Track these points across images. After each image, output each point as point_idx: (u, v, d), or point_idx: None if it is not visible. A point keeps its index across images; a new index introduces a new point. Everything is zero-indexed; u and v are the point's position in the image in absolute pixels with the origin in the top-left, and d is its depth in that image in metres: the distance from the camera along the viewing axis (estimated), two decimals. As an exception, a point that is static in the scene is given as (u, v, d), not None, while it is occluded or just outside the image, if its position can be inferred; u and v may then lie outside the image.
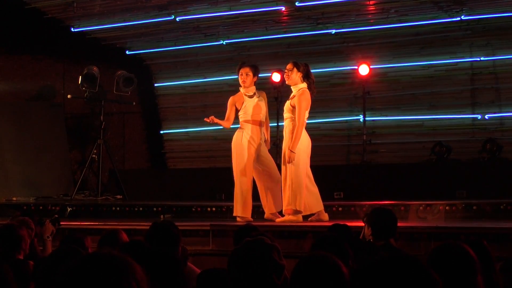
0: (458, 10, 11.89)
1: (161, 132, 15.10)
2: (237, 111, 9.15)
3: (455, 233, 7.16)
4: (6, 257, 4.90)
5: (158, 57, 14.80)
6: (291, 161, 8.44)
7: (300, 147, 8.54)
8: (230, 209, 9.25)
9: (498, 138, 11.98)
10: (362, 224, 5.88)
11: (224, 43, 13.82)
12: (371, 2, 12.18)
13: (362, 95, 12.70)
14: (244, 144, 8.94)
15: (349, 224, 6.06)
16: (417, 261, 1.97)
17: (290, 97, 8.77)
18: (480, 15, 11.96)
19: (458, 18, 12.02)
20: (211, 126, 13.98)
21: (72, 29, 13.60)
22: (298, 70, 8.65)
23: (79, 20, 13.50)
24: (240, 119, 9.12)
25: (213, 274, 3.65)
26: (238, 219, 8.83)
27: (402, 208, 9.20)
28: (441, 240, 5.82)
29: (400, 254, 1.99)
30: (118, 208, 11.37)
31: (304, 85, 8.66)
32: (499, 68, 12.44)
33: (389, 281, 1.90)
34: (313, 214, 8.77)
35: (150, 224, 5.00)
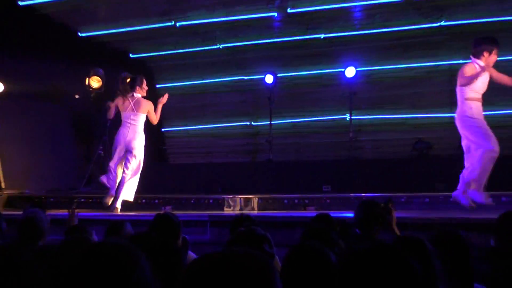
0: (438, 16, 11.93)
1: (163, 129, 15.10)
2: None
3: (433, 223, 7.19)
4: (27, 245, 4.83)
5: (159, 60, 14.79)
6: None
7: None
8: (226, 202, 9.28)
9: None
10: (349, 213, 5.89)
11: (220, 46, 13.83)
12: (357, 9, 12.22)
13: (349, 95, 12.73)
14: None
15: (335, 214, 6.10)
16: (398, 251, 2.00)
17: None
18: (458, 21, 12.00)
19: (438, 24, 12.06)
20: (210, 124, 14.09)
21: (79, 34, 13.62)
22: None
23: (86, 25, 13.51)
24: None
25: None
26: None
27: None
28: (418, 230, 5.87)
29: (382, 244, 2.02)
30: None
31: None
32: (476, 70, 12.44)
33: (372, 269, 1.94)
34: None
35: (152, 214, 5.02)
